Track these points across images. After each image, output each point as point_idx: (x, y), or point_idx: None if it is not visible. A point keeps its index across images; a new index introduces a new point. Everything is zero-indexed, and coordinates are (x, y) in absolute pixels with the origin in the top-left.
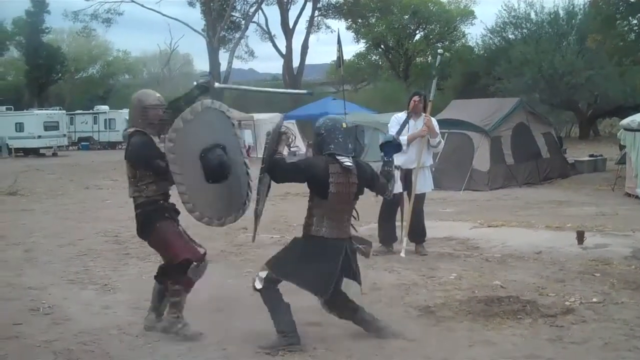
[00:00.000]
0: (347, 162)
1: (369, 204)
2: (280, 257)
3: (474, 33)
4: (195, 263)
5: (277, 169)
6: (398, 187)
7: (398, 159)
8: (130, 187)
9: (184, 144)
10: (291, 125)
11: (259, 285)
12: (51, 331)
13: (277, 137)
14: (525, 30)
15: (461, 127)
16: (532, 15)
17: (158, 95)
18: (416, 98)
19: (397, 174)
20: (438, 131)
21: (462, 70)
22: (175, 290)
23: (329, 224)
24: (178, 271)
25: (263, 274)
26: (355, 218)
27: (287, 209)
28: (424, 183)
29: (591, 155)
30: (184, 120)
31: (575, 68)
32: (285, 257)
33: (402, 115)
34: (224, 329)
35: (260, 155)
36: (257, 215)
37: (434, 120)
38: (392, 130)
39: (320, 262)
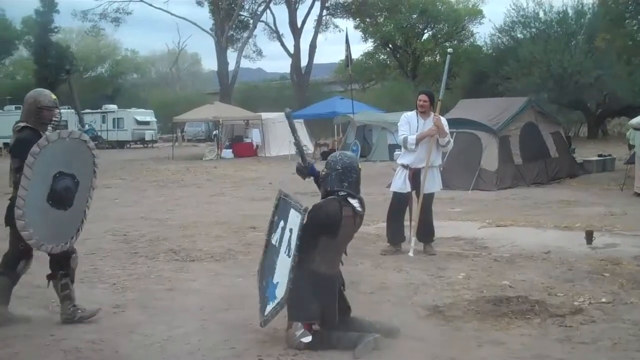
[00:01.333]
0: (359, 206)
1: (377, 204)
2: (298, 305)
3: (483, 32)
4: (74, 255)
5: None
6: (407, 187)
7: (407, 158)
8: (10, 177)
9: (45, 159)
10: (299, 125)
11: (308, 339)
12: (60, 330)
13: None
14: (533, 30)
15: (469, 126)
16: (541, 15)
17: (54, 97)
18: (422, 97)
19: (405, 172)
20: (447, 130)
21: (470, 70)
22: (65, 284)
23: (329, 260)
24: (61, 265)
25: (300, 330)
26: (345, 253)
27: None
28: (432, 182)
29: (600, 155)
30: (49, 139)
31: (584, 67)
32: (300, 301)
33: (411, 115)
34: (232, 327)
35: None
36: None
37: (443, 120)
38: (403, 130)
39: (322, 295)
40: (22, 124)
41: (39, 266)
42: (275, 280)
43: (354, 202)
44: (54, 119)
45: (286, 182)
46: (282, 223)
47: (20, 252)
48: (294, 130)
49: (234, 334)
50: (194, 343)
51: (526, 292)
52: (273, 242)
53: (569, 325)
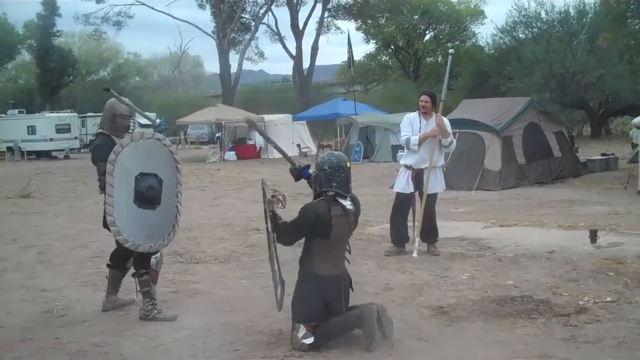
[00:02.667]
0: (349, 205)
1: (381, 205)
2: (302, 308)
3: (484, 33)
4: (154, 256)
5: (285, 237)
6: (410, 187)
7: (409, 159)
8: (100, 182)
9: (123, 164)
10: (301, 127)
11: (310, 341)
12: (65, 333)
13: (269, 205)
14: (535, 30)
15: (472, 126)
16: (543, 15)
17: (128, 106)
18: (424, 97)
19: (408, 173)
20: (450, 131)
21: (472, 70)
22: (144, 281)
23: (328, 262)
24: (143, 264)
25: (302, 332)
26: (348, 252)
27: (298, 209)
28: (435, 183)
29: (603, 154)
30: (122, 144)
31: (586, 67)
32: (304, 304)
33: (413, 116)
34: (237, 329)
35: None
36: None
37: (446, 120)
38: (405, 131)
39: (326, 297)
40: (99, 130)
41: (45, 271)
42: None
43: (344, 202)
44: (129, 127)
45: (289, 182)
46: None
47: (126, 250)
48: (265, 137)
49: (238, 336)
50: (199, 345)
51: (530, 291)
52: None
53: (574, 325)
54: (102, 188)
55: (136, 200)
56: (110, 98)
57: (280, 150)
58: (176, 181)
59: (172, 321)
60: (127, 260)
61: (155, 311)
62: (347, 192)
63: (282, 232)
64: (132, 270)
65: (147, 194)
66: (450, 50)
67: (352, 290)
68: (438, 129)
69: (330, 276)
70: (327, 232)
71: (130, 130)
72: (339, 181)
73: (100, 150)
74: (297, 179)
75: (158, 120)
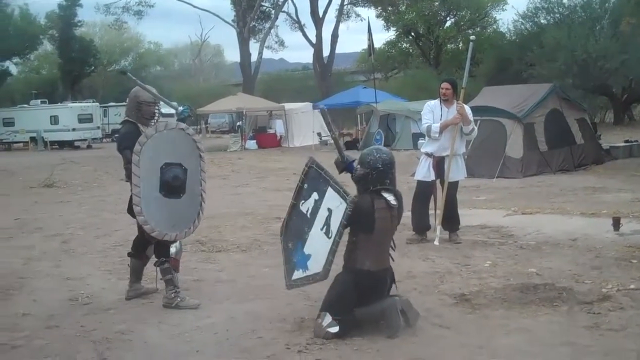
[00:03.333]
0: (393, 200)
1: (402, 193)
2: (334, 299)
3: (506, 19)
4: (173, 245)
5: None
6: (431, 175)
7: (431, 147)
8: (126, 170)
9: (148, 154)
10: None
11: (335, 330)
12: (90, 321)
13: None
14: (557, 15)
15: (493, 113)
16: (565, 0)
17: (154, 93)
18: (445, 85)
19: (429, 161)
20: (471, 118)
21: (493, 57)
22: (166, 269)
23: (373, 257)
24: (163, 252)
25: (327, 320)
26: (392, 248)
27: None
28: (456, 171)
29: (626, 141)
30: (147, 135)
31: (609, 52)
32: (340, 296)
33: (434, 103)
34: (260, 317)
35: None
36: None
37: (467, 108)
38: (426, 119)
39: (371, 295)
40: (125, 119)
41: (70, 260)
42: (307, 251)
43: (388, 195)
44: (155, 114)
45: None
46: (315, 195)
47: (145, 238)
48: (330, 128)
49: (261, 324)
50: (222, 333)
51: (553, 279)
52: (302, 209)
53: (597, 312)
54: (128, 176)
55: (162, 190)
56: (132, 85)
57: (337, 143)
58: (200, 169)
59: (194, 309)
60: (146, 249)
61: (179, 299)
62: (395, 187)
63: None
64: (154, 259)
65: (173, 184)
66: (472, 37)
67: (396, 287)
68: (459, 117)
69: (374, 272)
70: (371, 225)
71: (155, 117)
72: (391, 178)
73: (126, 139)
74: (341, 171)
75: (181, 108)
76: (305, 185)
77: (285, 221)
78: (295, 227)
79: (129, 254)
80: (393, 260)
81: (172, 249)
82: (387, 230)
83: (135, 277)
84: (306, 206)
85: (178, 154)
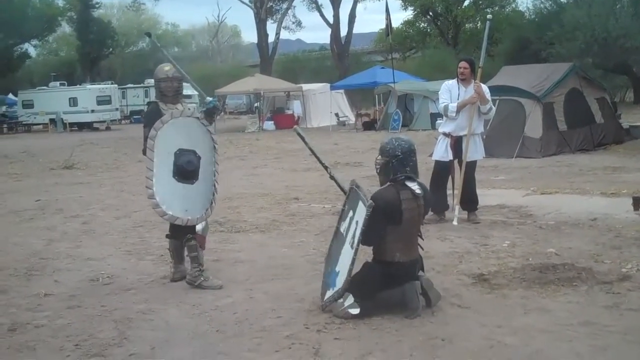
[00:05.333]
0: (418, 189)
1: (420, 173)
2: (359, 283)
3: None
4: (205, 222)
5: (368, 239)
6: (449, 155)
7: (448, 126)
8: (144, 145)
9: (164, 139)
10: (339, 95)
11: (356, 312)
12: (111, 301)
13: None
14: None
15: (512, 93)
16: None
17: (168, 68)
18: (463, 64)
19: (447, 140)
20: (489, 97)
21: (512, 36)
22: (192, 246)
23: (402, 248)
24: (188, 230)
25: (349, 301)
26: (421, 237)
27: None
28: (475, 150)
29: None
30: (163, 121)
31: (629, 31)
32: (365, 282)
33: (452, 83)
34: (279, 297)
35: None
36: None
37: (484, 87)
38: (444, 98)
39: (401, 284)
40: (152, 100)
41: (90, 240)
42: (337, 269)
43: (412, 185)
44: (178, 89)
45: (328, 153)
46: (351, 213)
47: None
48: (322, 162)
49: (280, 304)
50: (241, 312)
51: (572, 259)
52: (341, 230)
53: (617, 292)
54: (144, 152)
55: (175, 175)
56: (153, 63)
57: (333, 179)
58: (214, 160)
59: (216, 289)
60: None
61: (202, 278)
62: (418, 176)
63: (365, 238)
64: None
65: (187, 169)
66: (488, 16)
67: (423, 272)
68: (476, 96)
69: (404, 262)
70: (399, 217)
71: (179, 94)
72: (412, 165)
73: (147, 117)
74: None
75: (209, 98)
76: (346, 207)
77: (330, 246)
78: (334, 250)
79: (167, 236)
80: (422, 249)
81: (199, 227)
82: (414, 221)
83: (178, 258)
84: (344, 226)
85: (192, 142)
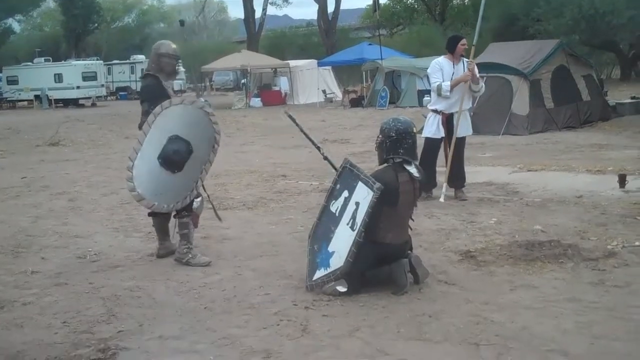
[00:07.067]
0: (416, 172)
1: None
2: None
3: None
4: (197, 200)
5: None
6: (440, 132)
7: (440, 104)
8: (141, 121)
9: (164, 120)
10: (327, 72)
11: (344, 289)
12: (98, 278)
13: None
14: None
15: (499, 70)
16: None
17: (174, 46)
18: (465, 42)
19: (438, 118)
20: (478, 75)
21: (500, 13)
22: (184, 223)
23: (395, 230)
24: (187, 206)
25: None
26: (412, 219)
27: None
28: (465, 127)
29: (633, 97)
30: (172, 102)
31: (616, 7)
32: (354, 261)
33: (442, 61)
34: (267, 274)
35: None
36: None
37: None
38: (436, 77)
39: (389, 263)
40: (146, 72)
41: (77, 218)
42: (330, 249)
43: (410, 168)
44: (176, 69)
45: (315, 129)
46: (345, 193)
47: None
48: (314, 143)
49: (268, 280)
50: (229, 289)
51: (559, 236)
52: (332, 209)
53: (602, 269)
54: (140, 127)
55: (160, 158)
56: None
57: (313, 143)
58: (207, 159)
59: (205, 266)
60: (193, 204)
61: (190, 255)
62: (414, 158)
63: (369, 223)
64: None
65: (172, 157)
66: None
67: (411, 251)
68: (469, 74)
69: (394, 244)
70: (395, 199)
71: (177, 73)
72: (406, 147)
73: (144, 92)
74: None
75: (202, 100)
76: (338, 186)
77: (315, 224)
78: (322, 229)
79: (149, 214)
80: (411, 229)
81: (195, 204)
82: (409, 203)
83: (162, 234)
84: (336, 206)
85: (191, 133)
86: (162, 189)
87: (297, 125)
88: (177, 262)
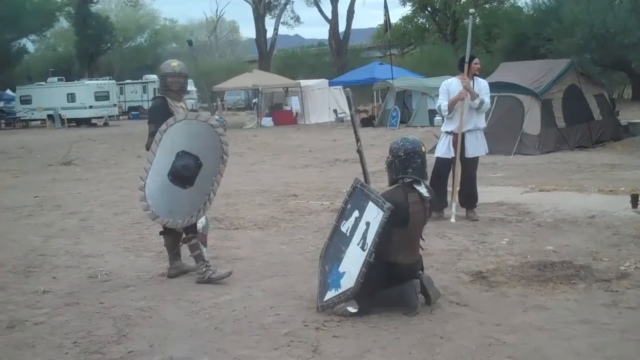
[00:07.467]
0: (425, 192)
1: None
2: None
3: None
4: (199, 221)
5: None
6: (451, 152)
7: (450, 126)
8: (147, 141)
9: (171, 137)
10: (338, 92)
11: (354, 310)
12: (109, 298)
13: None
14: None
15: (511, 90)
16: None
17: (175, 64)
18: (476, 61)
19: (449, 138)
20: (488, 92)
21: (511, 32)
22: (194, 245)
23: (405, 250)
24: (190, 229)
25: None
26: (422, 239)
27: (336, 175)
28: (477, 146)
29: None
30: (177, 119)
31: (628, 27)
32: (365, 282)
33: (452, 81)
34: (277, 294)
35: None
36: None
37: (484, 82)
38: (441, 98)
39: (401, 284)
40: (156, 94)
41: (89, 237)
42: (341, 270)
43: (420, 188)
44: (183, 86)
45: (326, 149)
46: (356, 213)
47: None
48: (357, 134)
49: (278, 301)
50: (240, 309)
51: (571, 257)
52: (343, 229)
53: (615, 290)
54: (148, 147)
55: (170, 174)
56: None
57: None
58: (217, 171)
59: (227, 277)
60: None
61: (210, 272)
62: (424, 178)
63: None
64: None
65: (182, 172)
66: (471, 10)
67: (422, 272)
68: (464, 91)
69: (406, 264)
70: (405, 220)
71: (184, 87)
72: (414, 167)
73: (152, 112)
74: None
75: (217, 117)
76: (349, 206)
77: (326, 244)
78: (333, 249)
79: (161, 233)
80: (422, 249)
81: (199, 225)
82: (420, 223)
83: (173, 254)
84: (347, 226)
85: (199, 148)
86: (175, 205)
87: (350, 107)
88: (199, 283)
